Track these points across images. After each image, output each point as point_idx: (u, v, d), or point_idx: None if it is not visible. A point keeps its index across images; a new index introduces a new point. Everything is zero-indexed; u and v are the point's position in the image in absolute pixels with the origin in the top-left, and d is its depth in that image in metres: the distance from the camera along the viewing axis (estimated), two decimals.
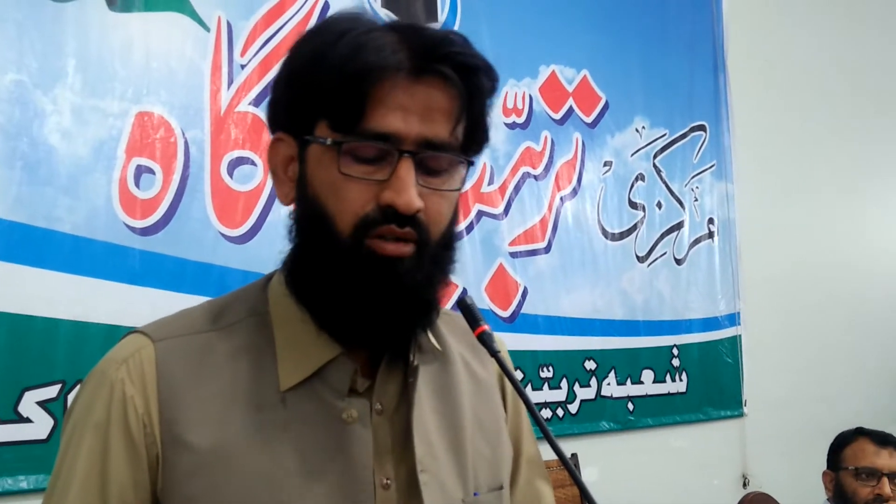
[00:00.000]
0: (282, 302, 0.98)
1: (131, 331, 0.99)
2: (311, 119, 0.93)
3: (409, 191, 0.89)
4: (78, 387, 0.98)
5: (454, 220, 0.97)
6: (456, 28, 2.82)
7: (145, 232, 2.15)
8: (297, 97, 0.93)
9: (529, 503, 1.13)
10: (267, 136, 2.32)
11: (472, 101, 0.94)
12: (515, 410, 1.14)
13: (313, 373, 0.95)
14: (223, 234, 2.29)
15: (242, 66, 2.36)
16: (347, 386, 0.96)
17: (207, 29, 2.31)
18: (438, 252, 0.94)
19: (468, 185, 2.88)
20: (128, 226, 2.13)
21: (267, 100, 1.01)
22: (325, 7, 2.53)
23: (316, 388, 0.95)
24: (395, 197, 0.89)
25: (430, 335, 1.03)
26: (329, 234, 0.91)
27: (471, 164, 0.97)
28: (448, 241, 0.96)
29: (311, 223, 0.93)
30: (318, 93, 0.91)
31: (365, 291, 0.91)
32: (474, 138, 0.97)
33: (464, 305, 0.99)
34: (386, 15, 2.67)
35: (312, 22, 2.49)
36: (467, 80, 0.93)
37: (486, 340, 0.97)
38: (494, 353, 0.97)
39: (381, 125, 0.90)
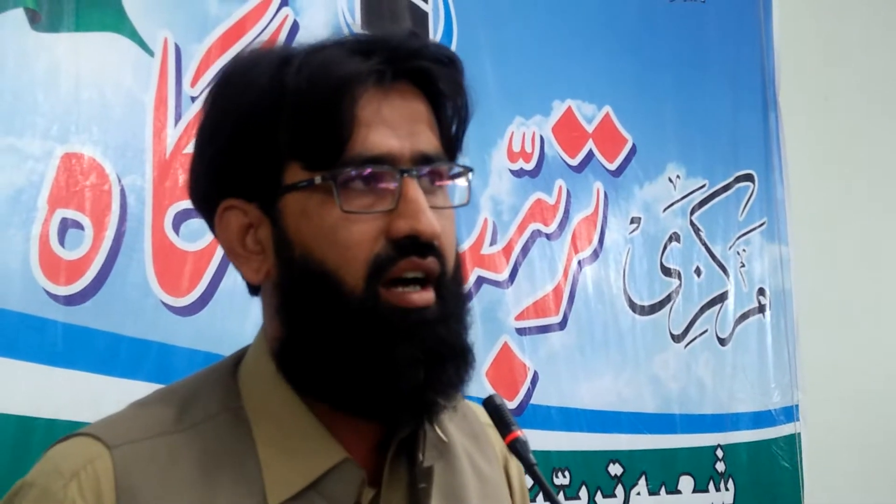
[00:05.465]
0: (264, 394, 0.98)
1: (75, 434, 0.97)
2: (275, 167, 0.95)
3: (426, 212, 0.92)
4: None
5: (458, 250, 1.00)
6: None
7: (70, 301, 2.14)
8: (250, 150, 0.95)
9: None
10: None
11: (454, 100, 0.99)
12: None
13: (309, 483, 0.94)
14: (166, 304, 2.29)
15: (193, 99, 2.38)
16: (353, 500, 0.95)
17: (151, 53, 2.34)
18: (457, 288, 0.97)
19: (470, 242, 2.89)
20: (49, 293, 2.12)
21: (192, 170, 1.01)
22: (295, 27, 2.57)
23: (313, 502, 0.94)
24: (414, 223, 0.92)
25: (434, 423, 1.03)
26: (337, 294, 0.92)
27: (470, 170, 1.01)
28: (460, 274, 0.99)
29: (309, 288, 0.94)
30: (283, 133, 0.93)
31: (395, 352, 0.91)
32: (458, 140, 1.02)
33: (492, 407, 1.01)
34: None
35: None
36: (445, 77, 0.97)
37: (520, 450, 0.98)
38: (530, 466, 0.98)
39: (371, 147, 0.93)
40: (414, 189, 0.93)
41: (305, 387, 0.96)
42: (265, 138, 0.94)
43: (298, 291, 0.95)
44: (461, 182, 1.01)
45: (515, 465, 1.15)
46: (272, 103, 0.93)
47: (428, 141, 0.96)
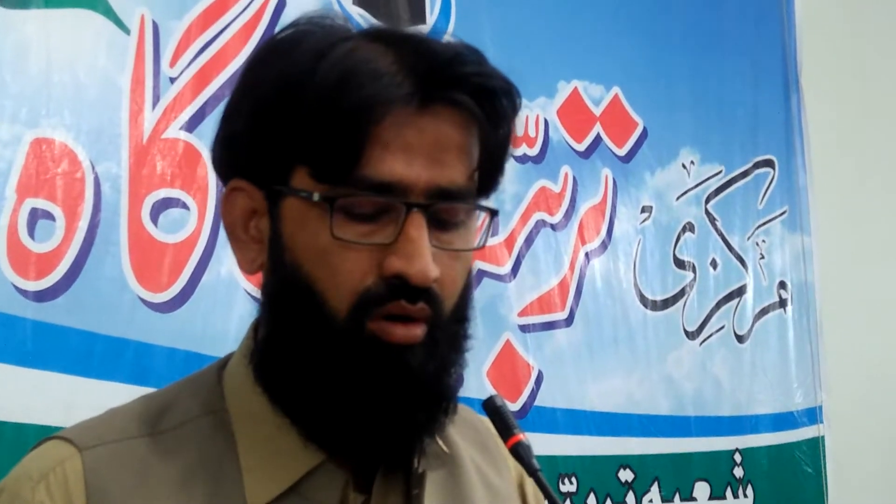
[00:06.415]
0: (244, 395, 0.99)
1: (48, 437, 1.00)
2: (284, 165, 0.95)
3: (423, 256, 0.92)
4: None
5: (469, 287, 1.00)
6: (450, 32, 2.86)
7: (41, 297, 2.14)
8: (265, 138, 0.95)
9: None
10: (201, 170, 2.35)
11: (491, 133, 0.97)
12: None
13: (291, 486, 0.96)
14: (144, 300, 2.29)
15: (172, 80, 2.38)
16: (336, 503, 0.97)
17: (127, 31, 2.34)
18: (452, 329, 0.97)
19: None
20: (17, 288, 2.12)
21: (215, 135, 1.03)
22: (281, 4, 2.57)
23: None
24: (406, 265, 0.91)
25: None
26: (319, 315, 0.93)
27: (494, 213, 1.00)
28: (462, 313, 0.99)
29: (292, 300, 0.95)
30: (297, 134, 0.93)
31: (366, 388, 0.92)
32: (492, 177, 1.01)
33: (492, 409, 1.01)
34: (359, 14, 2.70)
35: (263, 24, 2.52)
36: (486, 106, 0.95)
37: (522, 455, 0.99)
38: (534, 472, 0.98)
39: (382, 172, 0.92)
40: (416, 227, 0.92)
41: (278, 400, 0.97)
42: (282, 132, 0.94)
43: (282, 298, 0.97)
44: (482, 221, 1.00)
45: (532, 481, 1.16)
46: (296, 103, 0.93)
47: (450, 173, 0.94)
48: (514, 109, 0.98)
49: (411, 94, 0.92)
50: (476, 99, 0.94)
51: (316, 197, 0.93)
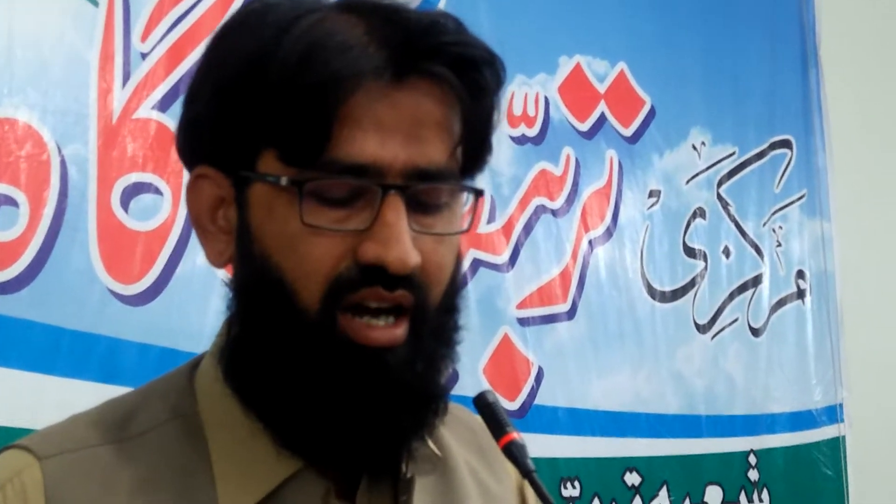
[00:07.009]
0: (216, 398, 0.99)
1: (7, 446, 1.00)
2: (251, 148, 0.95)
3: (401, 241, 0.91)
4: None
5: (457, 272, 0.99)
6: (442, 5, 2.86)
7: (3, 289, 2.14)
8: (229, 120, 0.95)
9: None
10: (175, 153, 2.34)
11: (473, 108, 0.96)
12: None
13: (267, 495, 0.95)
14: (114, 292, 2.29)
15: (143, 56, 2.38)
16: None
17: (95, 3, 2.33)
18: (440, 321, 0.96)
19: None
20: None
21: (179, 120, 1.02)
22: None
23: None
24: (383, 251, 0.90)
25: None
26: (289, 309, 0.92)
27: (479, 193, 0.99)
28: (451, 303, 0.98)
29: (261, 294, 0.94)
30: (262, 115, 0.92)
31: (343, 391, 0.91)
32: (477, 156, 1.00)
33: (483, 405, 1.01)
34: None
35: None
36: (466, 78, 0.94)
37: (516, 455, 0.98)
38: (528, 473, 0.97)
39: (354, 153, 0.91)
40: (393, 211, 0.91)
41: (249, 403, 0.97)
42: (246, 113, 0.93)
43: (251, 292, 0.96)
44: (468, 203, 0.99)
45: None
46: (260, 79, 0.92)
47: (429, 152, 0.93)
48: (498, 81, 0.97)
49: (383, 66, 0.91)
50: (455, 70, 0.93)
51: (284, 181, 0.92)
